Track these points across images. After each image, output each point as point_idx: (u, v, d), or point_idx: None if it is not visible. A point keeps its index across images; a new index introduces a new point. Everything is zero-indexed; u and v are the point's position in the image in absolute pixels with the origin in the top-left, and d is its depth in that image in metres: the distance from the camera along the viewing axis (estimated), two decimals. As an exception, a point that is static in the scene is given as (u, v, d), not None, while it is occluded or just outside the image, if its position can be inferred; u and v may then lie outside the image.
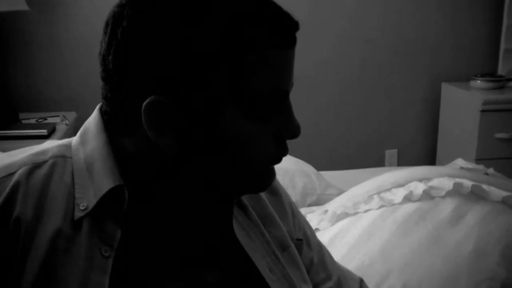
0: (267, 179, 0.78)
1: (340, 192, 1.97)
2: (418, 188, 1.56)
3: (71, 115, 2.87)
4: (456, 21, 3.33)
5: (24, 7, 2.59)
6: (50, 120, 2.75)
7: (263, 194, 0.90)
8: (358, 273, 1.20)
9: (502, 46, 3.27)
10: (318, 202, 1.96)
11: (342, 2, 3.19)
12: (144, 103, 0.68)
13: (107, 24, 0.71)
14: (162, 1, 0.67)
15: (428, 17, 3.29)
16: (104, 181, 0.72)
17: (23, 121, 2.72)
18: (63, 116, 2.78)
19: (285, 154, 0.76)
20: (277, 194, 0.94)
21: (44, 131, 2.50)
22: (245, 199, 0.86)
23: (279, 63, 0.70)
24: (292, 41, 0.71)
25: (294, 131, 0.74)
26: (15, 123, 2.68)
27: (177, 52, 0.66)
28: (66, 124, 2.70)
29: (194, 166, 0.72)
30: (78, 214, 0.71)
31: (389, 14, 3.26)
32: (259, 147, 0.72)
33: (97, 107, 0.79)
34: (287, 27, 0.70)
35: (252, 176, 0.75)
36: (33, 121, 2.74)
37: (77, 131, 2.54)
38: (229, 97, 0.68)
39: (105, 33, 0.71)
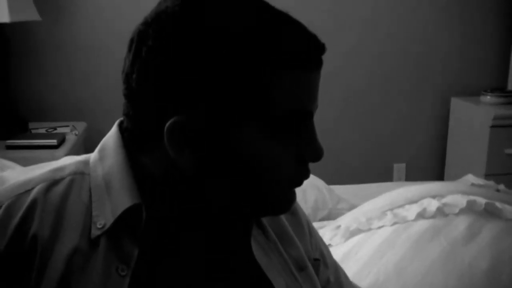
0: (287, 202, 0.77)
1: (352, 206, 1.96)
2: (432, 205, 1.55)
3: (81, 125, 2.87)
4: (466, 36, 3.33)
5: (36, 17, 2.60)
6: (59, 130, 2.75)
7: None
8: (372, 291, 1.19)
9: (512, 60, 3.27)
10: (329, 217, 1.95)
11: (351, 15, 3.20)
12: (167, 124, 0.67)
13: (131, 41, 0.71)
14: (188, 23, 0.66)
15: (438, 31, 3.29)
16: (122, 199, 0.72)
17: (33, 131, 2.73)
18: (73, 126, 2.78)
19: (307, 177, 0.75)
20: (295, 213, 0.93)
21: (54, 141, 2.50)
22: (263, 218, 0.85)
23: (304, 85, 0.69)
24: (318, 64, 0.71)
25: (316, 154, 0.73)
26: (25, 132, 2.69)
27: (202, 73, 0.65)
28: (76, 134, 2.70)
29: (214, 187, 0.72)
30: (95, 232, 0.71)
31: (399, 28, 3.26)
32: (281, 169, 0.71)
33: (116, 123, 0.79)
34: (313, 49, 0.70)
35: (273, 198, 0.74)
36: (42, 130, 2.75)
37: (87, 141, 2.55)
38: (253, 118, 0.67)
39: (129, 50, 0.71)
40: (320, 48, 0.70)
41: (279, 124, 0.68)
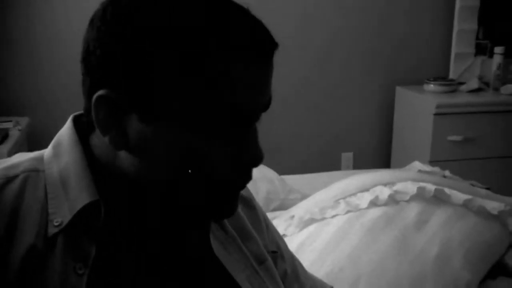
0: (227, 205, 0.74)
1: (303, 196, 1.97)
2: (383, 192, 1.58)
3: (24, 120, 2.79)
4: (410, 26, 3.39)
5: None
6: (2, 125, 2.66)
7: (239, 208, 0.89)
8: (328, 279, 1.21)
9: (453, 50, 3.36)
10: (282, 207, 1.96)
11: (294, 6, 3.21)
12: (94, 97, 0.65)
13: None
14: (134, 6, 0.65)
15: (381, 22, 3.34)
16: (79, 196, 0.69)
17: (-27, 127, 2.63)
18: (16, 121, 2.69)
19: (247, 179, 0.72)
20: (252, 207, 0.93)
21: (-4, 137, 2.42)
22: None
23: (241, 78, 0.65)
24: (264, 60, 0.67)
25: (254, 159, 0.69)
26: (-35, 128, 2.59)
27: (135, 53, 0.63)
28: (19, 130, 2.62)
29: (151, 180, 0.69)
30: (52, 231, 0.68)
31: (344, 18, 3.30)
32: (212, 166, 0.67)
33: (70, 118, 0.76)
34: (259, 44, 0.66)
35: (211, 200, 0.72)
36: (-17, 126, 2.65)
37: (30, 136, 2.47)
38: (185, 111, 0.64)
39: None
40: (267, 42, 0.67)
41: (209, 119, 0.65)
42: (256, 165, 0.69)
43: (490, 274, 1.53)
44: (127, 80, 0.64)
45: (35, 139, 2.81)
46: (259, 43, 0.66)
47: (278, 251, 0.96)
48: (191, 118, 0.64)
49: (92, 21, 0.68)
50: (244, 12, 0.67)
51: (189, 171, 0.67)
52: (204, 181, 0.68)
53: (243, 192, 0.92)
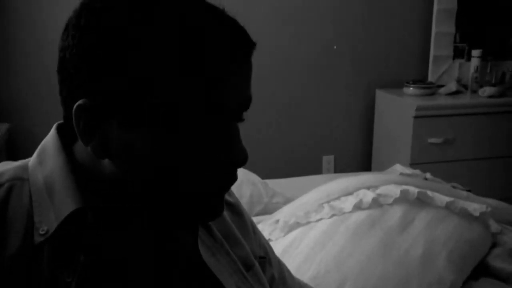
0: (212, 207, 0.73)
1: (287, 200, 1.97)
2: (367, 196, 1.59)
3: (3, 126, 2.75)
4: (388, 30, 3.42)
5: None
6: (-20, 131, 2.63)
7: (226, 214, 0.89)
8: (314, 282, 1.21)
9: (432, 53, 3.39)
10: (266, 211, 1.96)
11: (277, 6, 3.22)
12: (74, 107, 0.65)
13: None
14: (109, 11, 0.64)
15: (361, 26, 3.37)
16: (65, 203, 0.69)
17: (-49, 133, 2.59)
18: (-5, 127, 2.66)
19: (231, 180, 0.71)
20: (239, 213, 0.93)
21: (-26, 144, 2.38)
22: None
23: (222, 79, 0.65)
24: (241, 60, 0.67)
25: (237, 158, 0.69)
26: None
27: (112, 59, 0.63)
28: (-2, 136, 2.58)
29: (133, 181, 0.69)
30: (38, 239, 0.68)
31: (324, 23, 3.31)
32: (195, 168, 0.67)
33: (54, 126, 0.76)
34: (234, 44, 0.66)
35: (196, 201, 0.71)
36: (-39, 133, 2.61)
37: (9, 143, 2.42)
38: (159, 112, 0.64)
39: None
40: (245, 42, 0.67)
41: (195, 121, 0.65)
42: (240, 165, 0.69)
43: (472, 275, 1.55)
44: (106, 86, 0.64)
45: (14, 146, 2.78)
46: (238, 43, 0.66)
47: (266, 256, 0.96)
48: (172, 120, 0.64)
49: (66, 29, 0.68)
50: (220, 13, 0.67)
51: (172, 174, 0.67)
52: (187, 183, 0.68)
53: (230, 198, 0.92)
